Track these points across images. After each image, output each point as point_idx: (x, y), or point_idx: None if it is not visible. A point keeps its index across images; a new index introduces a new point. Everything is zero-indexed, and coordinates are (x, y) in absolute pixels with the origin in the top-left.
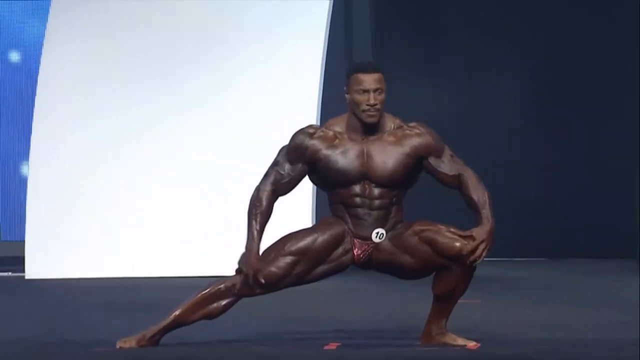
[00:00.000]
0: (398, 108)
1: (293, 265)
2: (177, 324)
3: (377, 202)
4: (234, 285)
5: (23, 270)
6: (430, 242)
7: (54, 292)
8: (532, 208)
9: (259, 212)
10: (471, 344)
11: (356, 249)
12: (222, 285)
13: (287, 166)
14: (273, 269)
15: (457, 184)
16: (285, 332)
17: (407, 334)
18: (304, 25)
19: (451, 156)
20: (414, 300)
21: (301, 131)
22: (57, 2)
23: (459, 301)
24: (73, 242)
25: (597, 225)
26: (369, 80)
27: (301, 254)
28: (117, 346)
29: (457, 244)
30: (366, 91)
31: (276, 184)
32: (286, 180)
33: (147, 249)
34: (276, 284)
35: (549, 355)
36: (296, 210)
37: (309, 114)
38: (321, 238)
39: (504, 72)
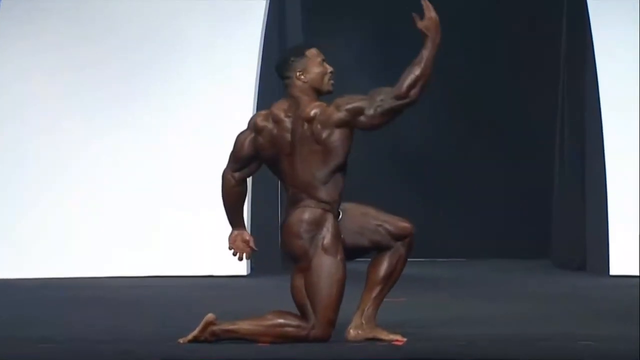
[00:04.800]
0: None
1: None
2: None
3: None
4: (308, 334)
5: None
6: (380, 224)
7: (3, 292)
8: (457, 213)
9: (227, 197)
10: (398, 340)
11: None
12: (299, 330)
13: (246, 148)
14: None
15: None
16: None
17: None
18: (239, 39)
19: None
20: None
21: (254, 116)
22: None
23: (385, 299)
24: (23, 243)
25: (513, 229)
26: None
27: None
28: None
29: (407, 224)
30: (324, 61)
31: (236, 166)
32: (245, 158)
33: (101, 249)
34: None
35: (469, 349)
36: None
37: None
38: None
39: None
